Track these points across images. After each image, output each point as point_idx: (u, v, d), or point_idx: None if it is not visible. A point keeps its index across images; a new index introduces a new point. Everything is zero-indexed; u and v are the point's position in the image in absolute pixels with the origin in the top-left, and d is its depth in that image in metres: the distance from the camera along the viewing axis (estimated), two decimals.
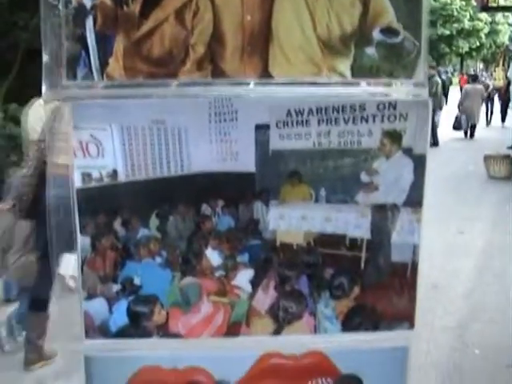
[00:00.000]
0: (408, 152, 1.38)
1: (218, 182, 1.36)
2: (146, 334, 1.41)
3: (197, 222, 1.38)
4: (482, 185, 8.16)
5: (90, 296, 1.40)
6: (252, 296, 1.40)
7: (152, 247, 1.39)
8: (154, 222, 1.38)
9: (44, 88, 1.31)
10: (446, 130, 12.88)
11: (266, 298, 1.40)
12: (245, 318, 1.40)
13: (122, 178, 1.36)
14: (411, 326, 1.44)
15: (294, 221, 1.38)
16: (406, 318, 1.44)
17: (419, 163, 1.38)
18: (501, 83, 14.98)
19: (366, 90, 1.36)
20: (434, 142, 11.45)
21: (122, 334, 1.41)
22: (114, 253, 1.39)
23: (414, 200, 1.39)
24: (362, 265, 1.41)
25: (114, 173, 1.35)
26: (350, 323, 1.42)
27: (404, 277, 1.42)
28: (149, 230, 1.38)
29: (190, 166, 1.36)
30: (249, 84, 1.32)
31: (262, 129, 1.36)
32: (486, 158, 8.64)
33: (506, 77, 14.31)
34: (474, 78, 14.42)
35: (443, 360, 3.42)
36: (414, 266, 1.42)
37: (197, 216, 1.38)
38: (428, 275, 4.64)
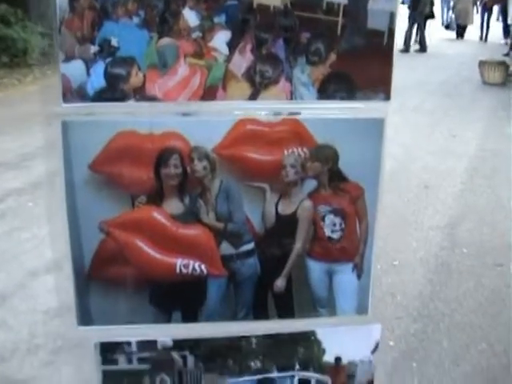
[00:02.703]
0: None
1: None
2: (123, 97, 1.52)
3: None
4: (476, 90, 8.48)
5: (68, 58, 1.51)
6: (229, 59, 1.51)
7: (130, 7, 1.49)
8: None
9: None
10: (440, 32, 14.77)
11: (242, 61, 1.51)
12: (221, 81, 1.52)
13: None
14: (387, 97, 1.55)
15: None
16: (381, 89, 1.56)
17: None
18: None
19: None
20: (422, 48, 13.34)
21: (99, 97, 1.52)
22: (92, 12, 1.49)
23: None
24: (339, 30, 1.51)
25: None
26: (325, 90, 1.54)
27: (380, 45, 1.53)
28: None
29: None
30: None
31: None
32: (481, 64, 9.15)
33: None
34: None
35: (431, 258, 3.58)
36: (391, 34, 1.53)
37: None
38: (419, 175, 4.85)
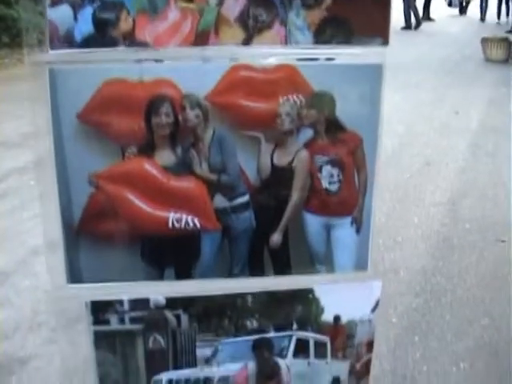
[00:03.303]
0: None
1: None
2: (112, 42, 1.49)
3: None
4: (479, 68, 8.55)
5: (55, 3, 1.47)
6: (221, 2, 1.47)
7: None
8: None
9: None
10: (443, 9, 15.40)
11: (235, 4, 1.48)
12: (213, 26, 1.48)
13: None
14: (385, 42, 1.52)
15: None
16: (379, 34, 1.52)
17: None
18: None
19: None
20: (417, 22, 13.78)
21: (87, 43, 1.48)
22: None
23: None
24: None
25: None
26: (322, 35, 1.51)
27: None
28: None
29: None
30: None
31: None
32: (483, 41, 9.22)
33: None
34: None
35: (433, 233, 3.57)
36: None
37: None
38: (421, 152, 4.84)
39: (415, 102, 6.32)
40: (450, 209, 3.92)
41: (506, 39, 9.38)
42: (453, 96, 6.74)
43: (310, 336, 1.70)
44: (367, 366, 1.77)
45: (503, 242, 3.47)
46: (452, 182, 4.33)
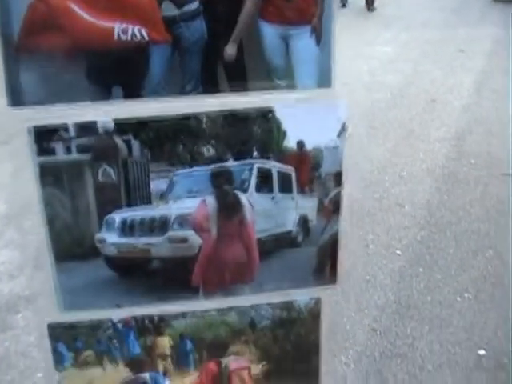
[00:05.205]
0: None
1: None
2: None
3: None
4: (486, 7, 8.52)
5: None
6: None
7: None
8: None
9: None
10: None
11: None
12: None
13: None
14: None
15: None
16: None
17: None
18: None
19: None
20: None
21: None
22: None
23: None
24: None
25: None
26: None
27: None
28: None
29: None
30: None
31: None
32: None
33: None
34: None
35: (438, 168, 3.51)
36: None
37: None
38: (427, 90, 4.77)
39: (421, 40, 6.33)
40: (455, 144, 3.89)
41: None
42: (459, 35, 6.78)
43: (273, 165, 1.60)
44: (336, 203, 1.67)
45: (508, 175, 3.40)
46: (457, 119, 4.32)
